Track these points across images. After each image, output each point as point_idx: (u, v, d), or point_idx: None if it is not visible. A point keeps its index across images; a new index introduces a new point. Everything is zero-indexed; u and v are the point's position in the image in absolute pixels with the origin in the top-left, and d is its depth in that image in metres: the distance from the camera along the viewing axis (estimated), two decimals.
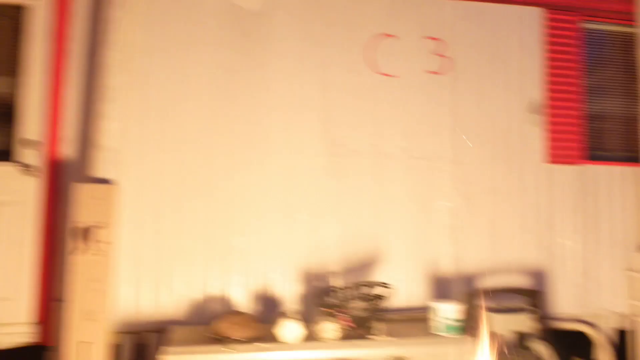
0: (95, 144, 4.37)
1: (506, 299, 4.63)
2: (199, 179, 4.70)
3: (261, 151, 4.82)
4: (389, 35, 5.16)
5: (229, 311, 4.30)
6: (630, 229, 5.44)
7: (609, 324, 5.22)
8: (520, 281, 5.08)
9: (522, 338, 4.43)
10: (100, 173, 4.35)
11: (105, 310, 3.88)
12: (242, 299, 4.69)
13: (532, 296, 4.67)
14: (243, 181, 4.77)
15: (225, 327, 3.85)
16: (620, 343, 5.19)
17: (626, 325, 5.23)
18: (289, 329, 3.83)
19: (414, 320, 4.46)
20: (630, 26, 5.49)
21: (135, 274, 4.56)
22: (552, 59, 5.43)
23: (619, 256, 5.38)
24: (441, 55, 5.23)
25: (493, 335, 4.35)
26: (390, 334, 4.00)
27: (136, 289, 4.56)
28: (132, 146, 4.60)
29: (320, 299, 4.18)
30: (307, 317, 4.46)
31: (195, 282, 4.63)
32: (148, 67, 4.70)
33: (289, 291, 4.76)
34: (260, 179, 4.79)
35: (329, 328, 3.86)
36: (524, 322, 4.45)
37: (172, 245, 4.61)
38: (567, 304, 5.20)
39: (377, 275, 4.80)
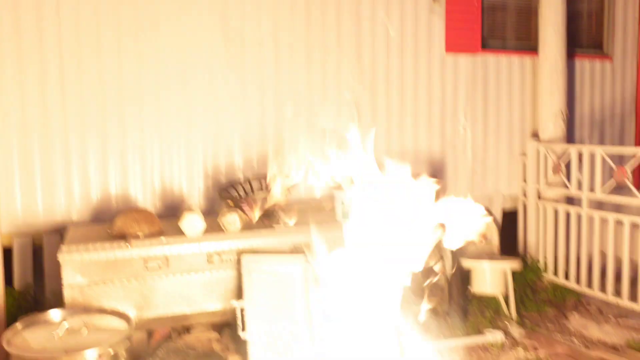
0: None
1: None
2: (90, 74, 4.41)
3: (152, 42, 4.54)
4: None
5: (128, 208, 4.22)
6: (527, 117, 5.71)
7: (501, 206, 5.59)
8: (416, 170, 5.27)
9: None
10: None
11: None
12: (142, 196, 4.61)
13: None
14: (136, 75, 4.52)
15: (126, 224, 3.79)
16: (510, 223, 5.60)
17: (516, 206, 5.62)
18: (191, 223, 3.82)
19: (317, 209, 4.57)
20: None
21: (30, 173, 4.34)
22: None
23: (515, 142, 5.68)
24: None
25: None
26: (292, 222, 4.09)
27: (31, 189, 4.36)
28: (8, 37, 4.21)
29: (223, 192, 4.17)
30: (210, 210, 4.47)
31: (92, 180, 4.48)
32: None
33: (191, 186, 4.71)
34: (155, 71, 4.56)
35: (232, 220, 3.89)
36: None
37: (67, 142, 4.39)
38: (463, 189, 5.49)
39: (280, 167, 4.82)
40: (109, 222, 3.99)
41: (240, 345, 3.72)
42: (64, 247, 3.57)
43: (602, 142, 6.01)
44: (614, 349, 3.96)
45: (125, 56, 4.48)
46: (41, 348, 2.98)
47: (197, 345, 3.71)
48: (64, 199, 4.42)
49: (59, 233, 4.35)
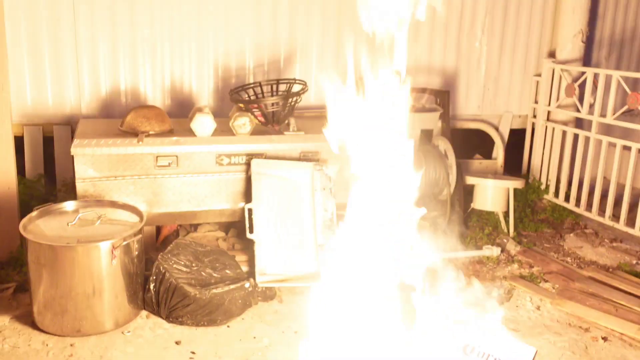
0: None
1: (416, 98, 4.77)
2: None
3: None
4: None
5: (139, 105, 4.20)
6: (546, 35, 5.56)
7: (509, 125, 5.58)
8: (430, 81, 5.21)
9: (427, 135, 4.68)
10: None
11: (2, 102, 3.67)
12: (152, 93, 4.58)
13: (440, 96, 4.83)
14: None
15: (136, 121, 3.79)
16: (517, 142, 5.61)
17: (525, 126, 5.61)
18: (202, 124, 3.82)
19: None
20: None
21: (39, 63, 4.29)
22: None
23: (530, 62, 5.57)
24: None
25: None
26: (302, 130, 4.09)
27: (41, 79, 4.32)
28: None
29: (234, 94, 4.13)
30: (219, 112, 4.46)
31: (102, 74, 4.43)
32: None
33: (201, 85, 4.67)
34: None
35: (243, 123, 3.89)
36: (431, 121, 4.66)
37: (76, 34, 4.30)
38: (474, 106, 5.45)
39: (292, 72, 4.76)
40: (119, 118, 3.99)
41: (246, 246, 3.85)
42: (75, 141, 3.59)
43: (619, 66, 5.89)
44: (605, 270, 4.11)
45: None
46: (56, 236, 3.08)
47: (205, 242, 3.83)
48: (73, 92, 4.39)
49: (69, 126, 4.36)
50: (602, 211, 4.69)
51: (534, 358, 1.95)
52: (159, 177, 3.72)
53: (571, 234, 4.69)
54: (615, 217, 4.58)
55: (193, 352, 3.02)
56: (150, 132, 3.75)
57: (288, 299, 3.56)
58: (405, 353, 1.94)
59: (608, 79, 4.62)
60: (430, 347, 2.00)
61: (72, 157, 3.57)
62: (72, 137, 3.69)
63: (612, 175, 4.59)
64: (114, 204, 3.50)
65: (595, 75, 4.74)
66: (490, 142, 5.44)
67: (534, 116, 5.49)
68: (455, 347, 1.99)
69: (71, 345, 3.01)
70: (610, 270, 4.11)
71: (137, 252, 3.22)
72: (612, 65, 5.85)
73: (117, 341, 3.07)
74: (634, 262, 4.20)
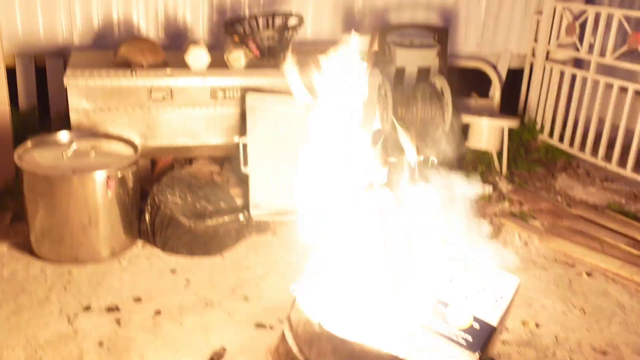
0: None
1: (413, 34, 4.70)
2: None
3: None
4: None
5: (132, 37, 4.13)
6: None
7: (507, 64, 5.52)
8: (428, 18, 5.12)
9: (425, 73, 4.64)
10: None
11: None
12: (145, 25, 4.49)
13: (438, 33, 4.76)
14: None
15: (130, 53, 3.74)
16: (515, 82, 5.57)
17: (523, 65, 5.55)
18: (197, 57, 3.77)
19: (324, 53, 4.49)
20: None
21: None
22: None
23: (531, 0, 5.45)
24: None
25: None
26: (298, 65, 4.04)
27: (31, 7, 4.23)
28: None
29: (229, 27, 4.06)
30: (214, 46, 4.40)
31: (94, 3, 4.33)
32: None
33: (195, 18, 4.58)
34: None
35: (238, 56, 3.84)
36: (428, 58, 4.61)
37: None
38: (472, 44, 5.37)
39: (288, 6, 4.66)
40: (112, 50, 3.93)
41: (241, 180, 3.88)
42: (68, 72, 3.55)
43: (622, 5, 5.77)
44: (594, 208, 4.18)
45: None
46: (51, 166, 3.10)
47: (199, 176, 3.86)
48: (65, 21, 4.30)
49: (62, 56, 4.30)
50: (595, 152, 4.71)
51: (517, 288, 2.02)
52: (153, 110, 3.70)
53: (563, 174, 4.73)
54: (608, 158, 4.62)
55: (188, 280, 3.10)
56: (144, 65, 3.71)
57: (281, 231, 3.63)
58: (393, 280, 2.01)
59: (609, 18, 4.54)
60: (417, 277, 2.06)
61: (66, 88, 3.55)
62: (65, 69, 3.65)
63: (608, 116, 4.59)
64: (108, 136, 3.51)
65: (597, 14, 4.66)
66: (488, 82, 5.40)
67: (533, 55, 5.42)
68: (442, 277, 2.05)
69: (69, 272, 3.09)
70: (600, 209, 4.17)
71: (132, 184, 3.25)
72: (615, 4, 5.74)
73: (114, 269, 3.15)
74: (623, 201, 4.26)
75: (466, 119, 4.70)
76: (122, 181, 3.16)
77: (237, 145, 3.73)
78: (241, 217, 3.47)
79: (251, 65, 3.90)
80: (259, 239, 3.56)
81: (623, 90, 4.51)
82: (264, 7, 4.62)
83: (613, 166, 4.56)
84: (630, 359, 2.72)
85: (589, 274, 3.40)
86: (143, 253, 3.33)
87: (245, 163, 3.68)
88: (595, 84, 4.71)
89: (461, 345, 1.78)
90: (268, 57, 3.98)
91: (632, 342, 2.83)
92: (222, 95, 3.79)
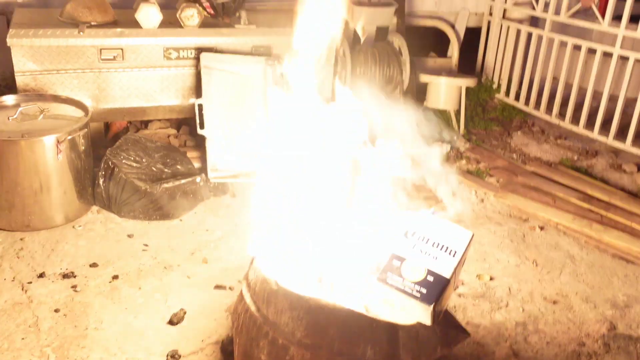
0: None
1: None
2: None
3: None
4: None
5: None
6: None
7: (465, 23, 5.52)
8: None
9: (383, 32, 4.60)
10: None
11: None
12: None
13: None
14: None
15: (76, 10, 3.58)
16: (473, 42, 5.59)
17: (481, 25, 5.57)
18: (148, 14, 3.63)
19: (280, 11, 4.41)
20: None
21: None
22: None
23: None
24: None
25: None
26: (254, 23, 3.96)
27: None
28: None
29: None
30: (167, 4, 4.25)
31: None
32: None
33: None
34: None
35: (190, 14, 3.72)
36: (387, 17, 4.57)
37: None
38: (431, 2, 5.35)
39: None
40: (58, 8, 3.76)
41: (198, 143, 3.82)
42: (11, 31, 3.39)
43: None
44: (548, 165, 4.28)
45: None
46: None
47: (156, 139, 3.78)
48: None
49: (4, 16, 4.10)
50: (549, 110, 4.80)
51: (470, 241, 2.06)
52: (104, 71, 3.58)
53: (518, 132, 4.81)
54: (562, 115, 4.71)
55: (146, 245, 3.07)
56: (93, 23, 3.56)
57: (240, 193, 3.60)
58: (351, 232, 2.02)
59: None
60: (373, 231, 2.07)
61: (9, 48, 3.39)
62: (8, 28, 3.48)
63: (562, 74, 4.66)
64: (57, 98, 3.38)
65: None
66: (446, 41, 5.40)
67: (490, 14, 5.44)
68: (397, 231, 2.07)
69: (21, 239, 3.01)
70: (553, 165, 4.28)
71: (83, 147, 3.16)
72: None
73: (68, 235, 3.09)
74: (575, 157, 4.37)
75: (424, 78, 4.70)
76: (73, 145, 3.07)
77: (193, 106, 3.65)
78: (198, 179, 3.42)
79: (205, 24, 3.79)
80: (217, 201, 3.53)
81: (577, 48, 4.58)
82: None
83: (566, 124, 4.66)
84: (578, 307, 2.83)
85: (542, 228, 3.49)
86: (98, 218, 3.27)
87: (202, 125, 3.62)
88: (550, 42, 4.76)
89: (416, 297, 1.81)
90: (223, 15, 3.87)
91: (580, 291, 2.95)
92: (176, 55, 3.69)
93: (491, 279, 2.99)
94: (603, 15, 4.34)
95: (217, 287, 2.77)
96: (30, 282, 2.70)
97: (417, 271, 1.87)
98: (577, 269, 3.13)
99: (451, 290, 2.00)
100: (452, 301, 2.75)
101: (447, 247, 1.97)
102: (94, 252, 2.96)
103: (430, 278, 1.85)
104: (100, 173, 3.26)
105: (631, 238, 3.34)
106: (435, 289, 1.84)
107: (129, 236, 3.13)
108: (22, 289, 2.66)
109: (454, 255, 1.93)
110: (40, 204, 3.05)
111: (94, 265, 2.86)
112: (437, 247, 1.97)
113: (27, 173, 2.98)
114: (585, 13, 4.68)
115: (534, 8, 4.93)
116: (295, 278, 1.93)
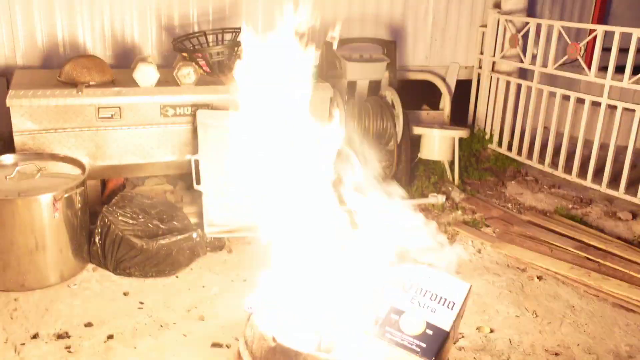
0: None
1: (363, 49, 4.76)
2: None
3: None
4: None
5: (79, 55, 4.05)
6: None
7: (456, 76, 5.65)
8: (377, 32, 5.20)
9: (376, 86, 4.70)
10: None
11: None
12: (92, 44, 4.41)
13: (387, 47, 4.84)
14: None
15: (75, 71, 3.66)
16: (464, 93, 5.70)
17: (471, 77, 5.70)
18: (145, 73, 3.72)
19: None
20: None
21: None
22: None
23: (477, 13, 5.60)
24: None
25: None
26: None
27: None
28: None
29: (178, 43, 4.03)
30: (163, 64, 4.36)
31: (37, 22, 4.23)
32: None
33: (143, 35, 4.52)
34: None
35: (187, 72, 3.80)
36: (379, 71, 4.67)
37: None
38: (421, 57, 5.49)
39: (238, 22, 4.66)
40: (57, 69, 3.84)
41: (194, 198, 3.83)
42: (11, 92, 3.45)
43: (562, 17, 6.01)
44: (543, 214, 4.29)
45: None
46: None
47: (152, 195, 3.79)
48: (7, 41, 4.18)
49: (5, 77, 4.18)
50: (542, 159, 4.86)
51: (468, 292, 2.05)
52: (102, 129, 3.63)
53: (513, 182, 4.85)
54: (554, 164, 4.77)
55: (142, 303, 3.03)
56: (91, 83, 3.64)
57: (237, 248, 3.59)
58: (348, 287, 2.01)
59: (550, 29, 4.71)
60: (372, 283, 2.07)
61: (9, 109, 3.44)
62: (8, 89, 3.54)
63: (552, 124, 4.74)
64: (54, 157, 3.41)
65: (538, 26, 4.83)
66: (438, 93, 5.51)
67: (480, 67, 5.57)
68: (395, 285, 2.06)
69: (15, 299, 2.98)
70: (548, 214, 4.29)
71: (80, 205, 3.17)
72: (556, 16, 5.96)
73: (63, 294, 3.05)
74: (570, 206, 4.39)
75: (417, 130, 4.77)
76: (69, 203, 3.08)
77: (190, 162, 3.69)
78: (195, 235, 3.42)
79: (201, 81, 3.88)
80: (214, 256, 3.51)
81: (566, 98, 4.68)
82: (213, 24, 4.61)
83: (559, 172, 4.71)
84: (581, 358, 2.78)
85: (540, 278, 3.48)
86: (94, 276, 3.24)
87: (198, 180, 3.64)
88: (540, 92, 4.87)
89: (415, 352, 1.79)
90: (218, 73, 3.96)
91: (582, 342, 2.91)
92: (173, 112, 3.75)
93: (491, 331, 2.95)
94: (589, 66, 4.46)
95: (214, 345, 2.72)
96: (24, 344, 2.65)
97: (416, 325, 1.86)
98: (577, 319, 3.09)
99: (451, 344, 1.98)
100: (452, 355, 2.71)
101: (445, 300, 1.96)
102: (88, 312, 2.92)
103: (430, 331, 1.84)
104: (96, 230, 3.26)
105: (630, 286, 3.32)
106: (435, 343, 1.82)
107: (125, 294, 3.10)
108: (15, 351, 2.61)
109: (452, 308, 1.92)
110: (35, 263, 3.03)
111: (88, 324, 2.82)
112: (435, 299, 1.96)
113: (23, 232, 2.97)
114: (572, 64, 4.81)
115: (522, 60, 5.06)
116: (293, 334, 1.91)
